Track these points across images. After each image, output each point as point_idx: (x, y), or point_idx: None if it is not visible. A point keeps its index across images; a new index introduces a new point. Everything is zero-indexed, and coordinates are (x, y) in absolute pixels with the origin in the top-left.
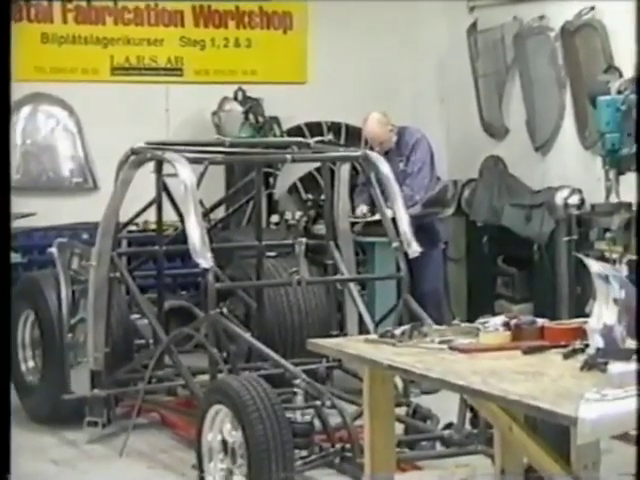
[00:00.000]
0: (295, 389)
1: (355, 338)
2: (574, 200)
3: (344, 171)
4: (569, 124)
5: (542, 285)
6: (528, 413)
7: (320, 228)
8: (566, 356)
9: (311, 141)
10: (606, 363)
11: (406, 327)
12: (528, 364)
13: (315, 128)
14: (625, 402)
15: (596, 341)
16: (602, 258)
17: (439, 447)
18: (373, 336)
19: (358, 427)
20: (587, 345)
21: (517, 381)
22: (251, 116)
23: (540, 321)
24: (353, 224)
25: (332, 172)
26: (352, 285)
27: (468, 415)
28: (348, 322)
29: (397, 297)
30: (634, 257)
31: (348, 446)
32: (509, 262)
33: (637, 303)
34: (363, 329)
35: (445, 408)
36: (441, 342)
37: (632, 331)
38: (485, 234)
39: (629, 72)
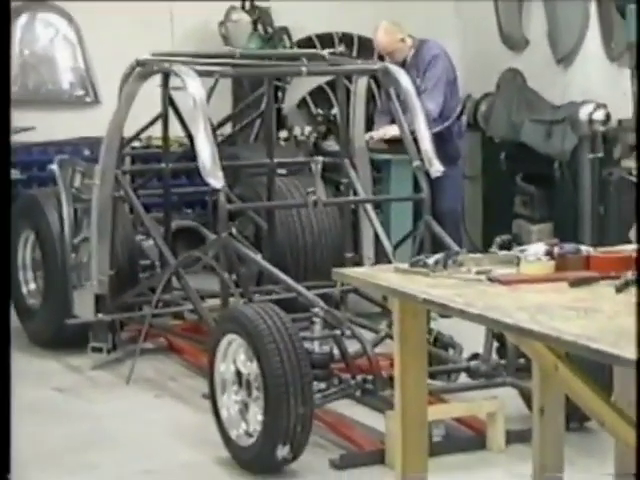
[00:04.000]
0: (313, 317)
1: (383, 267)
2: (599, 115)
3: (361, 85)
4: (594, 35)
5: (563, 205)
6: (586, 355)
7: (330, 144)
8: (619, 289)
9: (325, 53)
10: None
11: (439, 255)
12: (578, 298)
13: (326, 39)
14: None
15: None
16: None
17: (464, 378)
18: (403, 265)
19: (378, 355)
20: None
21: (569, 318)
22: (260, 26)
23: (584, 249)
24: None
25: (345, 87)
26: (369, 205)
27: (495, 344)
28: (364, 244)
29: (414, 218)
30: None
31: (369, 377)
32: (528, 180)
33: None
34: (380, 251)
35: (467, 335)
36: (478, 272)
37: None
38: (503, 150)
39: None
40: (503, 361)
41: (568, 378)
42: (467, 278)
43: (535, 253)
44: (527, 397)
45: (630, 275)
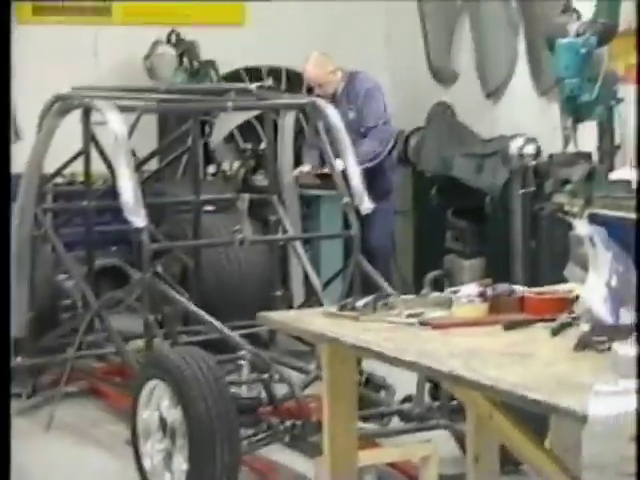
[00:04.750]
0: (240, 361)
1: (311, 311)
2: (530, 149)
3: (289, 119)
4: (522, 69)
5: (494, 239)
6: (523, 406)
7: (259, 179)
8: (554, 332)
9: (252, 87)
10: (602, 342)
11: (369, 298)
12: (512, 343)
13: (254, 73)
14: None
15: (591, 316)
16: (561, 211)
17: (397, 421)
18: (332, 308)
19: (308, 397)
20: (575, 318)
21: (504, 365)
22: (185, 60)
23: (519, 290)
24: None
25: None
26: (298, 242)
27: (427, 385)
28: (293, 282)
29: (344, 255)
30: (596, 211)
31: (298, 423)
32: (459, 215)
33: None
34: (309, 290)
35: (399, 376)
36: (409, 315)
37: (625, 301)
38: (434, 185)
39: (588, 13)
40: (436, 403)
41: (503, 426)
42: (398, 322)
43: (468, 295)
44: (461, 440)
45: (565, 318)
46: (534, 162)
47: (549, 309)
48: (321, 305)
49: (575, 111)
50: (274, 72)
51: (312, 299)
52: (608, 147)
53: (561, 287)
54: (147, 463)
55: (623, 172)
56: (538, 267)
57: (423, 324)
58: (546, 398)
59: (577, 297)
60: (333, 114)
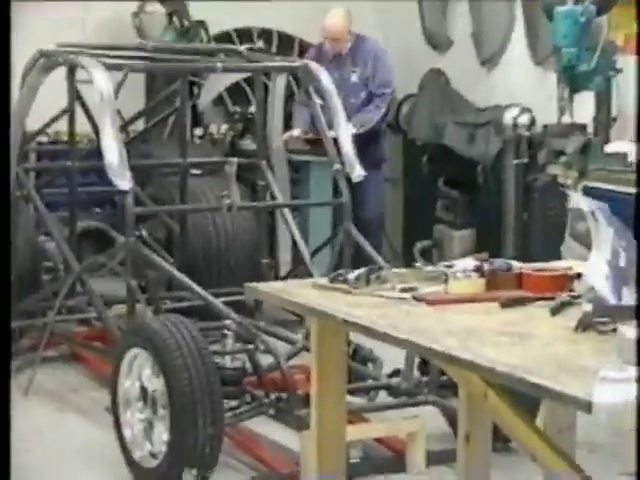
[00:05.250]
0: (225, 330)
1: (300, 282)
2: (524, 120)
3: (280, 83)
4: (519, 37)
5: (486, 210)
6: (523, 389)
7: (247, 143)
8: (554, 312)
9: (242, 48)
10: (604, 323)
11: (361, 271)
12: (510, 322)
13: (245, 35)
14: None
15: (593, 295)
16: (562, 185)
17: (384, 396)
18: (322, 280)
19: (293, 368)
20: (575, 297)
21: (502, 345)
22: (175, 19)
23: (516, 265)
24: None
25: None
26: (287, 210)
27: (417, 359)
28: (280, 249)
29: (332, 223)
30: (590, 183)
31: (284, 396)
32: (450, 184)
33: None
34: (296, 257)
35: (387, 348)
36: (403, 290)
37: (628, 280)
38: (425, 153)
39: None
40: (425, 378)
41: (498, 406)
42: (391, 296)
43: (463, 270)
44: (449, 416)
45: (565, 296)
46: (528, 132)
47: (548, 287)
48: (309, 274)
49: (572, 81)
50: (265, 34)
51: (299, 267)
52: (604, 119)
53: (560, 264)
54: (127, 432)
55: (619, 145)
56: (530, 239)
57: (417, 299)
58: (547, 382)
59: (577, 275)
60: (326, 78)
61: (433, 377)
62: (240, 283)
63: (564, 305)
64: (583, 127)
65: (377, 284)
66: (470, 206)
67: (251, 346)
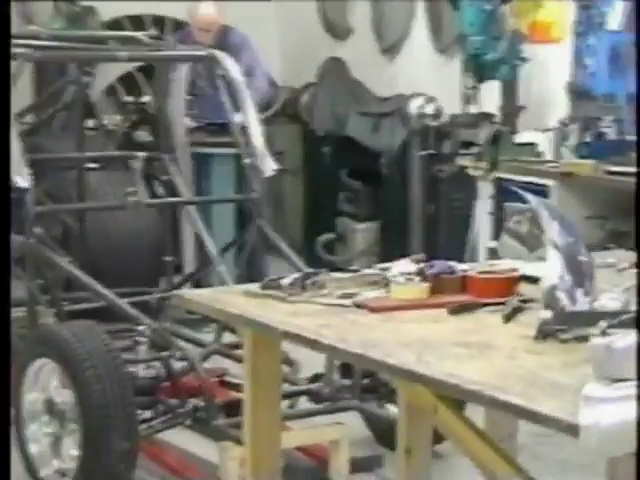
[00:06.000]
0: (138, 337)
1: (229, 289)
2: (430, 109)
3: (182, 72)
4: (420, 24)
5: (390, 202)
6: (492, 408)
7: (142, 134)
8: (507, 318)
9: (141, 35)
10: (562, 330)
11: (296, 276)
12: (463, 330)
13: (137, 22)
14: None
15: (552, 300)
16: (461, 174)
17: (305, 402)
18: (254, 287)
19: (207, 372)
20: (525, 301)
21: (461, 358)
22: (63, 5)
23: (459, 268)
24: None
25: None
26: (192, 206)
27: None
28: (185, 248)
29: (237, 219)
30: (501, 175)
31: (201, 404)
32: (353, 176)
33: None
34: (202, 256)
35: (303, 351)
36: (342, 296)
37: (580, 281)
38: (327, 144)
39: None
40: (347, 382)
41: (449, 420)
42: (330, 303)
43: (404, 273)
44: (371, 421)
45: (515, 301)
46: (435, 123)
47: (495, 291)
48: (218, 274)
49: (479, 70)
50: (158, 21)
51: (205, 267)
52: (511, 108)
53: (502, 264)
54: (32, 449)
55: (529, 135)
56: (437, 232)
57: (360, 306)
58: (521, 402)
59: (524, 277)
60: (233, 67)
61: (356, 381)
62: (143, 283)
63: (516, 311)
64: (491, 117)
65: (314, 290)
66: (374, 198)
67: (166, 353)
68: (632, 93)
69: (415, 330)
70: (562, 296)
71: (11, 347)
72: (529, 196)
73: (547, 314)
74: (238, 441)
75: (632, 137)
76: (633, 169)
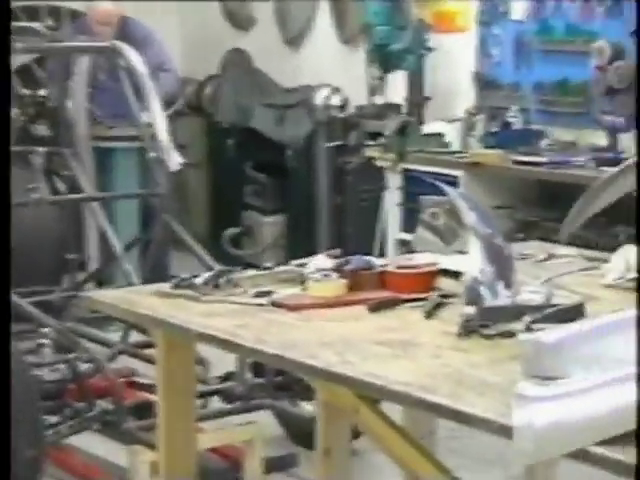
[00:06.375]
0: (42, 339)
1: (140, 289)
2: (336, 101)
3: (84, 65)
4: (325, 14)
5: (297, 195)
6: (421, 410)
7: (41, 128)
8: (428, 314)
9: (38, 26)
10: (485, 326)
11: (209, 274)
12: (385, 328)
13: (31, 12)
14: (587, 399)
15: (473, 295)
16: (368, 165)
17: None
18: (165, 286)
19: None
20: (445, 296)
21: (385, 358)
22: None
23: (376, 262)
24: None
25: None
26: (96, 202)
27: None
28: (89, 245)
29: (141, 216)
30: (409, 166)
31: (110, 408)
32: (259, 168)
33: None
34: (106, 253)
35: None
36: (258, 294)
37: (501, 273)
38: (231, 137)
39: None
40: (259, 380)
41: (371, 421)
42: (246, 302)
43: (321, 269)
44: (285, 420)
45: (436, 296)
46: (341, 114)
47: (414, 286)
48: (123, 271)
49: (384, 60)
50: (53, 12)
51: (109, 265)
52: (418, 99)
53: (420, 258)
54: None
55: (436, 125)
56: (345, 224)
57: (276, 305)
58: (451, 403)
59: (443, 271)
60: (137, 60)
61: (268, 379)
62: (45, 281)
63: (437, 307)
64: (397, 107)
65: (228, 289)
66: (280, 191)
67: (72, 355)
68: (537, 82)
69: (335, 329)
70: (484, 290)
71: (11, 346)
72: (447, 188)
73: (470, 310)
74: (149, 444)
75: (537, 126)
76: (540, 159)
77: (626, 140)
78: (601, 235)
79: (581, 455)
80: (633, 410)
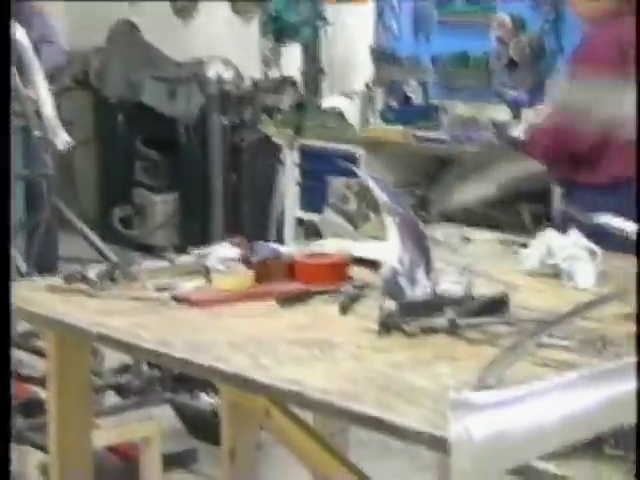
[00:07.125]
0: None
1: (31, 284)
2: (229, 75)
3: None
4: None
5: (190, 172)
6: (345, 420)
7: None
8: (344, 309)
9: None
10: (406, 322)
11: (104, 267)
12: (299, 326)
13: None
14: (533, 405)
15: (393, 289)
16: (264, 141)
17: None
18: (56, 279)
19: None
20: (359, 287)
21: (303, 361)
22: None
23: (285, 251)
24: None
25: None
26: None
27: None
28: None
29: (27, 198)
30: (307, 141)
31: None
32: (150, 144)
33: None
34: None
35: None
36: (158, 289)
37: (417, 261)
38: (120, 112)
39: None
40: (156, 373)
41: (282, 424)
42: (145, 297)
43: (225, 259)
44: (184, 415)
45: (350, 288)
46: (235, 89)
47: (326, 277)
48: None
49: (279, 33)
50: None
51: None
52: (314, 72)
53: (330, 245)
54: None
55: (334, 100)
56: (240, 202)
57: (178, 300)
58: (380, 414)
59: (356, 260)
60: (20, 32)
61: (166, 372)
62: None
63: (352, 300)
64: (294, 82)
65: (125, 283)
66: (172, 168)
67: None
68: (437, 55)
69: (245, 327)
70: (403, 281)
71: (11, 346)
72: (357, 170)
73: (389, 305)
74: (38, 445)
75: (437, 101)
76: (440, 135)
77: (529, 115)
78: (506, 213)
79: (524, 471)
80: (584, 417)
